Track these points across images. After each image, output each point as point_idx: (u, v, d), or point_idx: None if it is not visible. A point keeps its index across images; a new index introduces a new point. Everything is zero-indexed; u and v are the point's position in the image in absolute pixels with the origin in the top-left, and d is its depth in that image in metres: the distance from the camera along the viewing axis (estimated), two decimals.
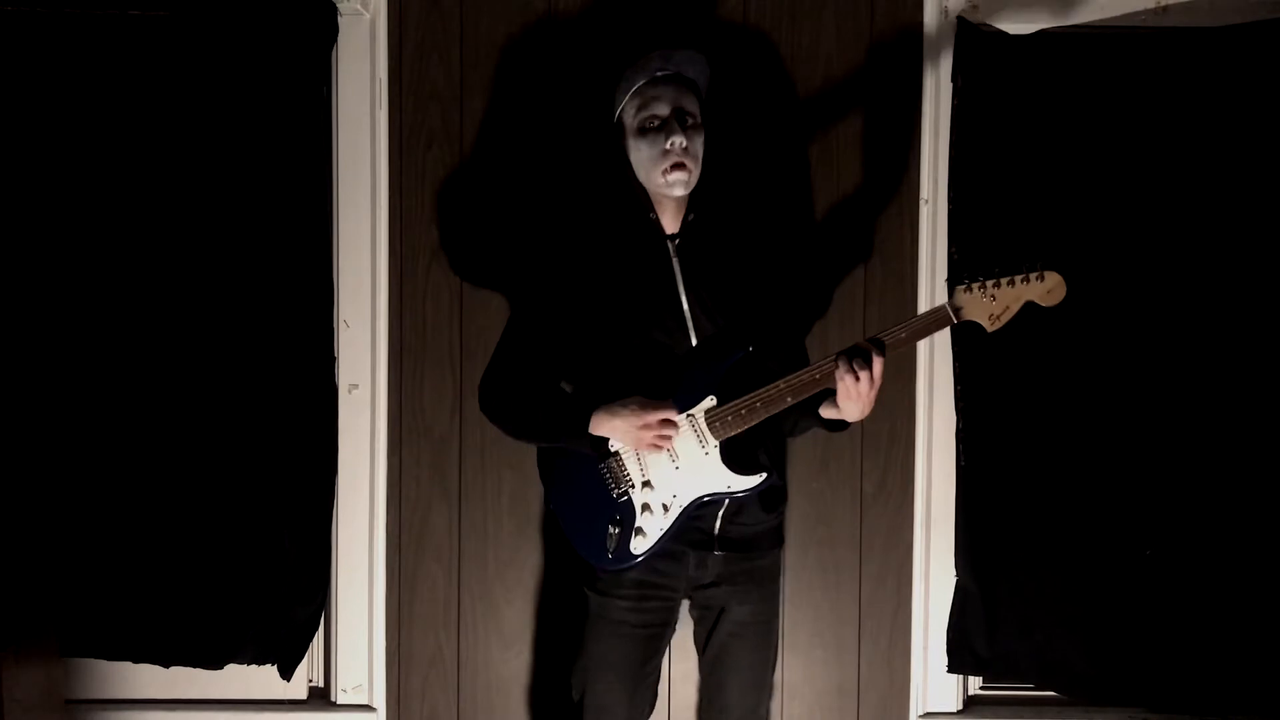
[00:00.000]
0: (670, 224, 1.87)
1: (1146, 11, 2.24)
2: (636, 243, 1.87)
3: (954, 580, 2.29)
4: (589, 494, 1.86)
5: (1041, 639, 2.26)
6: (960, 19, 2.23)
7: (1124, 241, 2.23)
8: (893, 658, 2.34)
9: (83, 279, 2.24)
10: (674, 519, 1.81)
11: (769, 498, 1.90)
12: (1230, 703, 2.24)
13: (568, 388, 1.94)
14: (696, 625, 1.98)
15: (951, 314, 1.69)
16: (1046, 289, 1.66)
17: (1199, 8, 2.23)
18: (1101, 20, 2.24)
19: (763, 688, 1.96)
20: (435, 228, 2.30)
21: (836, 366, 1.68)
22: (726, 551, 1.87)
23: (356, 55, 2.28)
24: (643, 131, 1.81)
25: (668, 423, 1.76)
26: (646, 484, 1.82)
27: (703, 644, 1.96)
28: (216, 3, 2.23)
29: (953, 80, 2.23)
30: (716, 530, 1.86)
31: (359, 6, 2.24)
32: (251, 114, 2.22)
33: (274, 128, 2.22)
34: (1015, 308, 1.67)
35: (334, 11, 2.24)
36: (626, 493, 1.83)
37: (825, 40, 2.28)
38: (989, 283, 1.66)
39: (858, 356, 1.67)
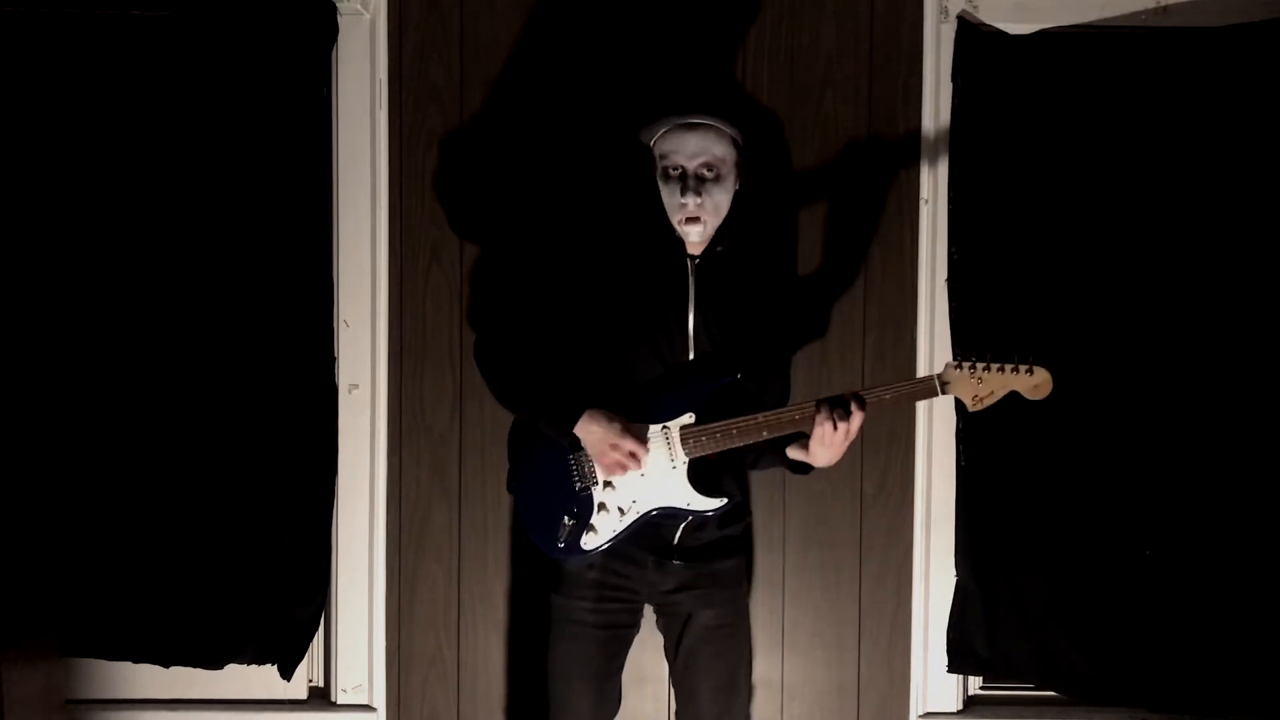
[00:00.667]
0: (694, 245, 1.88)
1: (1146, 11, 2.24)
2: (658, 251, 1.89)
3: (954, 580, 2.29)
4: (553, 482, 1.87)
5: (1041, 639, 2.26)
6: (960, 19, 2.23)
7: (1124, 241, 2.22)
8: (893, 658, 2.34)
9: (83, 279, 2.24)
10: (628, 523, 1.83)
11: (730, 514, 1.89)
12: (1230, 703, 2.24)
13: None
14: (665, 634, 1.98)
15: (939, 387, 1.74)
16: (1033, 383, 1.72)
17: (1199, 8, 2.23)
18: (1101, 20, 2.24)
19: (734, 691, 1.96)
20: (435, 228, 2.30)
21: (817, 413, 1.72)
22: (685, 561, 1.88)
23: (356, 55, 2.28)
24: (665, 176, 1.84)
25: (633, 456, 1.78)
26: (608, 484, 1.83)
27: (672, 652, 1.97)
28: (217, 3, 2.23)
29: (953, 80, 2.23)
30: (676, 540, 1.88)
31: (359, 6, 2.24)
32: (252, 114, 2.22)
33: (274, 128, 2.22)
34: (1000, 394, 1.74)
35: (334, 11, 2.24)
36: (588, 488, 1.84)
37: (825, 40, 2.28)
38: (979, 365, 1.72)
39: (839, 407, 1.72)
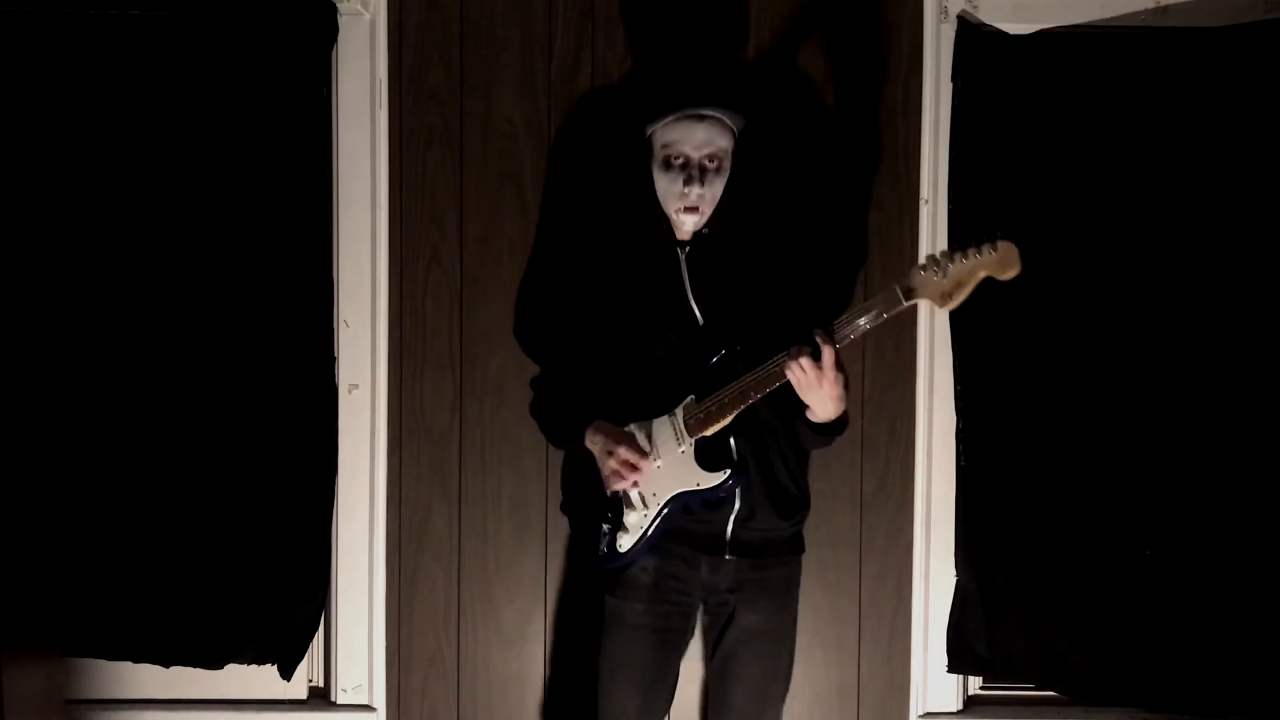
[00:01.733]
0: (682, 234, 1.90)
1: (1146, 11, 2.25)
2: (649, 245, 1.92)
3: (954, 580, 2.29)
4: (589, 493, 1.90)
5: (1041, 639, 2.26)
6: (960, 19, 2.23)
7: (1124, 241, 2.23)
8: (893, 658, 2.34)
9: (83, 279, 2.24)
10: (654, 516, 1.83)
11: (784, 504, 1.90)
12: (1230, 703, 2.24)
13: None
14: (706, 630, 1.98)
15: (900, 295, 1.68)
16: (999, 259, 1.63)
17: (1199, 8, 2.23)
18: (1101, 20, 2.24)
19: (768, 698, 1.95)
20: (435, 228, 2.30)
21: (786, 358, 1.70)
22: (738, 557, 1.87)
23: (356, 55, 2.28)
24: (666, 164, 1.85)
25: (631, 465, 1.79)
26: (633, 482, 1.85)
27: (711, 649, 1.97)
28: (217, 3, 2.23)
29: (953, 80, 2.24)
30: (728, 535, 1.87)
31: (359, 6, 2.24)
32: (251, 114, 2.22)
33: (274, 128, 2.22)
34: (970, 284, 1.65)
35: (334, 11, 2.24)
36: (617, 491, 1.86)
37: (825, 39, 2.28)
38: (941, 258, 1.65)
39: (804, 346, 1.68)
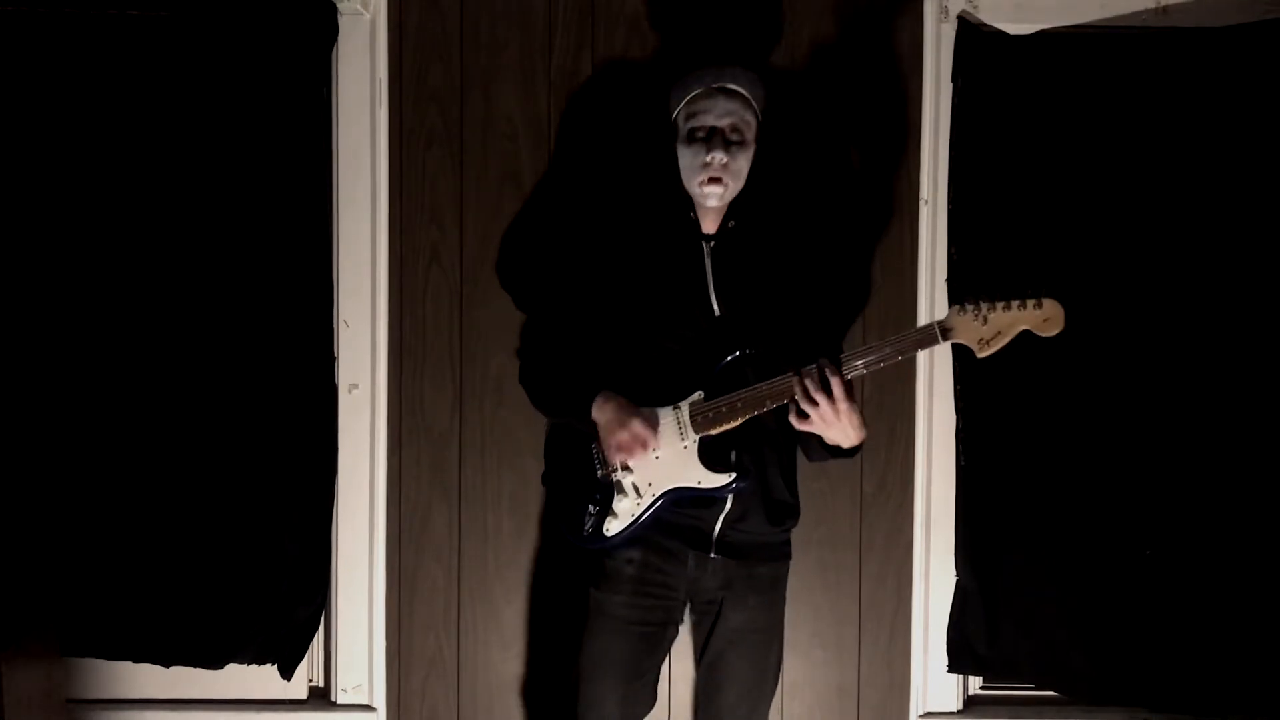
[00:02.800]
0: (709, 226, 1.90)
1: (1147, 11, 2.25)
2: (674, 238, 1.91)
3: (954, 580, 2.29)
4: (579, 473, 1.89)
5: (1041, 639, 2.26)
6: (960, 19, 2.23)
7: (1123, 242, 2.23)
8: (893, 658, 2.34)
9: (83, 279, 2.24)
10: (646, 506, 1.82)
11: (776, 511, 1.90)
12: (1230, 703, 2.24)
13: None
14: (694, 629, 1.98)
15: (939, 333, 1.69)
16: (1043, 317, 1.65)
17: (1199, 8, 2.23)
18: (1101, 20, 2.24)
19: (757, 697, 1.95)
20: (435, 228, 2.30)
21: (796, 381, 1.70)
22: (724, 556, 1.87)
23: (356, 55, 2.28)
24: (690, 139, 1.85)
25: (643, 442, 1.78)
26: (627, 468, 1.83)
27: (700, 649, 1.97)
28: (216, 3, 2.23)
29: (953, 80, 2.23)
30: (716, 533, 1.87)
31: (359, 6, 2.24)
32: (251, 114, 2.22)
33: (274, 128, 2.22)
34: (1009, 334, 1.67)
35: (334, 11, 2.24)
36: (609, 475, 1.85)
37: (825, 40, 2.28)
38: (984, 305, 1.65)
39: (813, 375, 1.69)
